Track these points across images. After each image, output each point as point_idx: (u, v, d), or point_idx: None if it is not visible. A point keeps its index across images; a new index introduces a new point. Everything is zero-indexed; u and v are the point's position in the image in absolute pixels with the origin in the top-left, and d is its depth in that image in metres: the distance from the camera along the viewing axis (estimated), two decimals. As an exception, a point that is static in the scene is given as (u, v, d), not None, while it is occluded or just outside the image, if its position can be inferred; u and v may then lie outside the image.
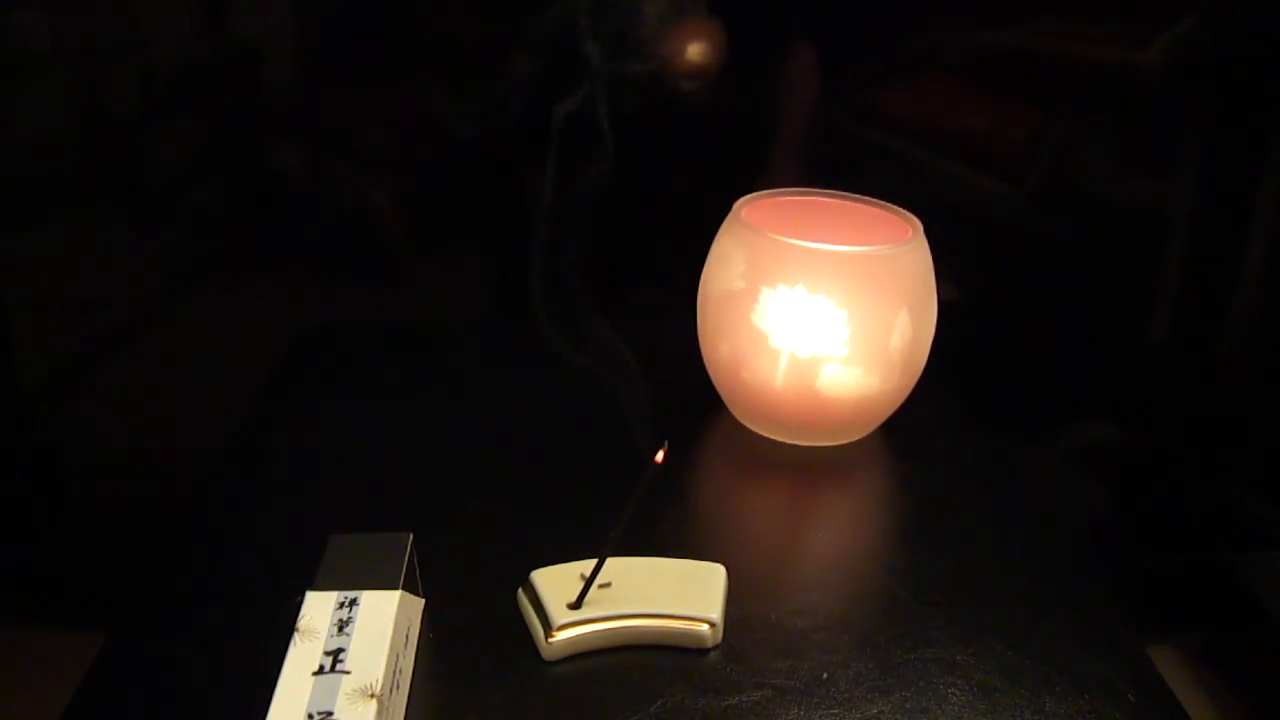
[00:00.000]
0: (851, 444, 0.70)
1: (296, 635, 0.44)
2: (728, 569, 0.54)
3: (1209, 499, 1.22)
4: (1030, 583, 0.58)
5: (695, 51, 1.01)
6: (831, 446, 0.69)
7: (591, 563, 0.52)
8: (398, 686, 0.45)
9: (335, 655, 0.43)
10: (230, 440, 0.70)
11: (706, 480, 0.69)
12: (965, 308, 1.06)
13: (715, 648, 0.51)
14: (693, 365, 0.71)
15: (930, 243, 0.65)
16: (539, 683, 0.49)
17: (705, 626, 0.51)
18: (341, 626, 0.45)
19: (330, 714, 0.41)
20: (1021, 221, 1.09)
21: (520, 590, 0.53)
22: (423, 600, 0.52)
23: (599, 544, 0.51)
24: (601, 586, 0.52)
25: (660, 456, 0.50)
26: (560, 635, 0.50)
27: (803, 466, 0.68)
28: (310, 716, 0.41)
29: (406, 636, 0.48)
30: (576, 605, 0.51)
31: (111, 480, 1.17)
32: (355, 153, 1.07)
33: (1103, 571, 1.22)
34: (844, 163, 1.06)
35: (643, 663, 0.50)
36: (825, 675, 0.50)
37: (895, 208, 0.68)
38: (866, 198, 0.70)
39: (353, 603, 0.46)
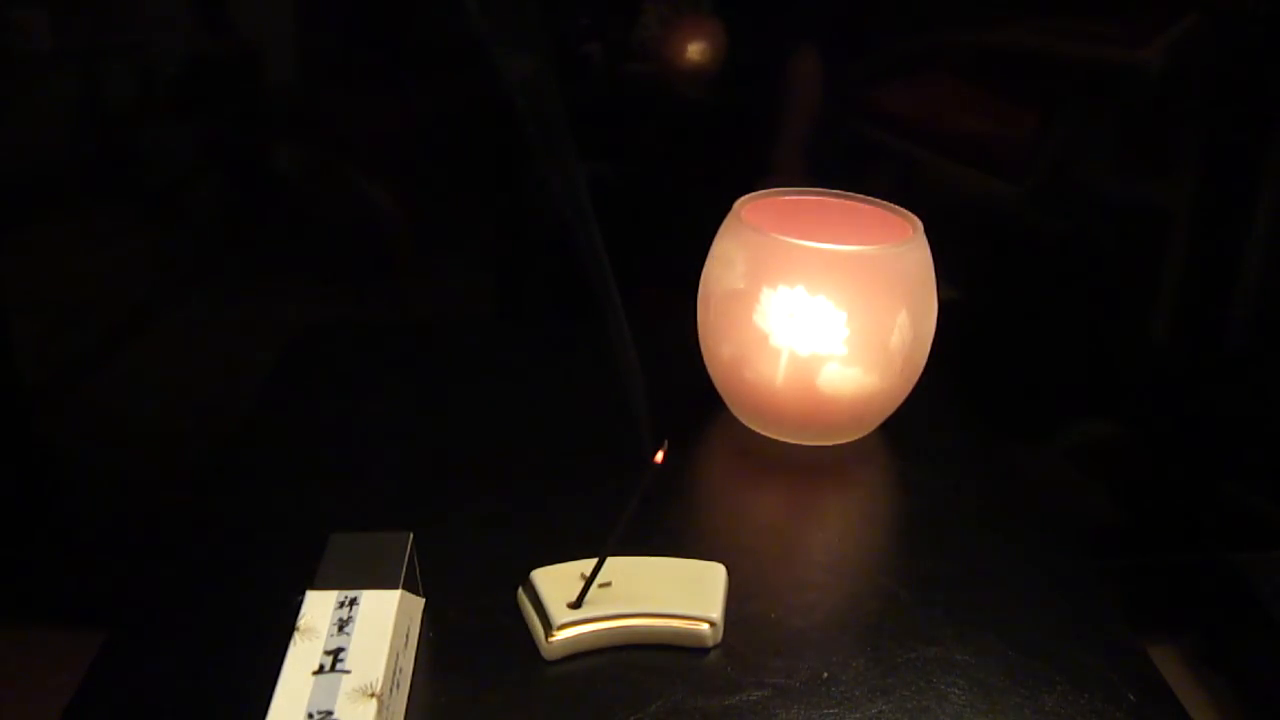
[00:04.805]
0: (851, 443, 0.70)
1: (296, 635, 0.44)
2: (728, 569, 0.54)
3: (1209, 499, 1.22)
4: (1030, 582, 0.58)
5: (696, 51, 1.01)
6: (831, 446, 0.69)
7: (591, 562, 0.52)
8: (398, 686, 0.45)
9: (335, 654, 0.43)
10: (230, 440, 0.70)
11: (706, 480, 0.69)
12: (965, 308, 1.06)
13: (715, 647, 0.51)
14: (693, 365, 0.71)
15: (930, 243, 0.65)
16: (539, 682, 0.49)
17: (705, 626, 0.51)
18: (341, 626, 0.45)
19: (330, 713, 0.41)
20: (1021, 221, 1.09)
21: (520, 590, 0.53)
22: (423, 600, 0.52)
23: (599, 544, 0.51)
24: (602, 586, 0.52)
25: (660, 457, 0.50)
26: (560, 635, 0.50)
27: (803, 466, 0.68)
28: (310, 716, 0.41)
29: (406, 636, 0.48)
30: (577, 605, 0.51)
31: (111, 480, 1.17)
32: (355, 153, 1.07)
33: (1103, 571, 1.23)
34: (844, 162, 1.06)
35: (643, 662, 0.50)
36: (825, 674, 0.50)
37: (895, 207, 0.68)
38: (867, 197, 0.70)
39: (353, 602, 0.46)
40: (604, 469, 0.65)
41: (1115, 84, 1.02)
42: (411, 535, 0.51)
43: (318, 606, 0.46)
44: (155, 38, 1.00)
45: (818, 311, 0.62)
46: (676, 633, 0.51)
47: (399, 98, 1.03)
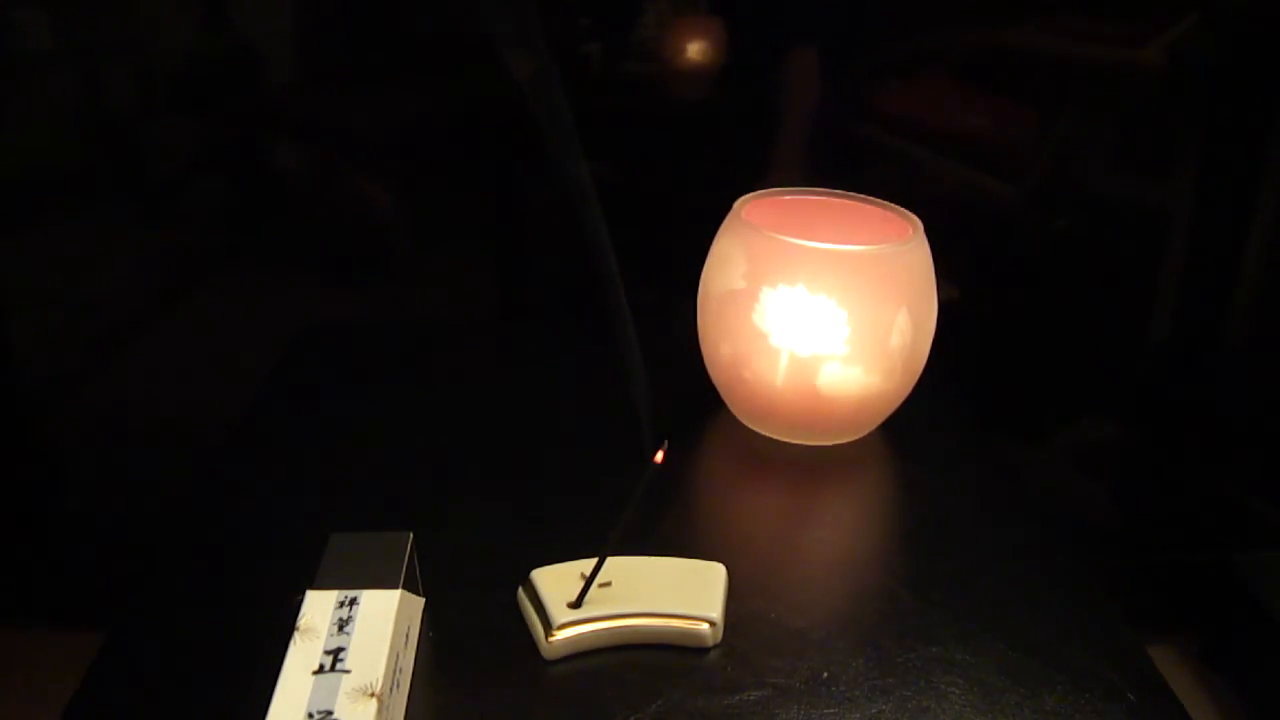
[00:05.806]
0: (851, 443, 0.70)
1: (296, 635, 0.44)
2: (728, 568, 0.54)
3: (1209, 498, 1.22)
4: (1030, 582, 0.58)
5: (695, 51, 1.01)
6: (832, 446, 0.69)
7: (591, 562, 0.52)
8: (398, 686, 0.45)
9: (335, 654, 0.43)
10: (230, 440, 0.70)
11: (706, 480, 0.69)
12: (965, 308, 1.06)
13: (715, 647, 0.51)
14: (693, 365, 0.71)
15: (930, 242, 0.65)
16: (539, 682, 0.49)
17: (705, 625, 0.51)
18: (341, 626, 0.45)
19: (330, 713, 0.41)
20: (1021, 221, 1.09)
21: (520, 590, 0.53)
22: (423, 600, 0.52)
23: (599, 544, 0.51)
24: (602, 586, 0.52)
25: (660, 456, 0.50)
26: (560, 634, 0.50)
27: (803, 466, 0.68)
28: (310, 716, 0.41)
29: (406, 636, 0.48)
30: (577, 604, 0.51)
31: (111, 480, 1.17)
32: (355, 153, 1.07)
33: (1103, 571, 1.22)
34: (844, 162, 1.06)
35: (643, 662, 0.50)
36: (825, 674, 0.50)
37: (895, 207, 0.68)
38: (867, 197, 0.70)
39: (353, 602, 0.46)
40: (604, 469, 0.65)
41: (1115, 84, 1.02)
42: (411, 535, 0.51)
43: (318, 606, 0.46)
44: (155, 37, 1.00)
45: (818, 311, 0.62)
46: (676, 633, 0.51)
47: (399, 97, 1.03)
